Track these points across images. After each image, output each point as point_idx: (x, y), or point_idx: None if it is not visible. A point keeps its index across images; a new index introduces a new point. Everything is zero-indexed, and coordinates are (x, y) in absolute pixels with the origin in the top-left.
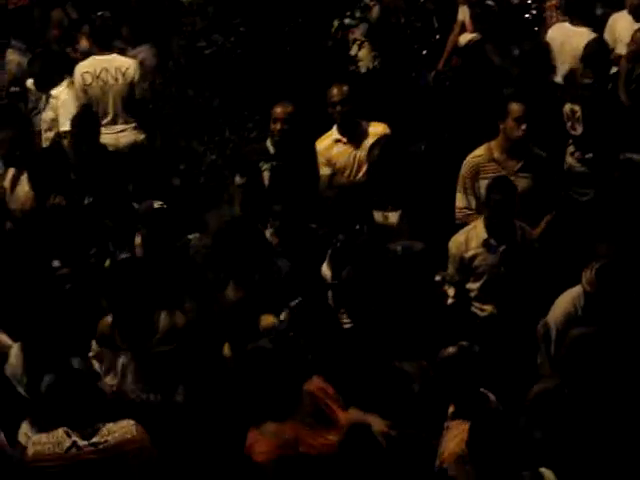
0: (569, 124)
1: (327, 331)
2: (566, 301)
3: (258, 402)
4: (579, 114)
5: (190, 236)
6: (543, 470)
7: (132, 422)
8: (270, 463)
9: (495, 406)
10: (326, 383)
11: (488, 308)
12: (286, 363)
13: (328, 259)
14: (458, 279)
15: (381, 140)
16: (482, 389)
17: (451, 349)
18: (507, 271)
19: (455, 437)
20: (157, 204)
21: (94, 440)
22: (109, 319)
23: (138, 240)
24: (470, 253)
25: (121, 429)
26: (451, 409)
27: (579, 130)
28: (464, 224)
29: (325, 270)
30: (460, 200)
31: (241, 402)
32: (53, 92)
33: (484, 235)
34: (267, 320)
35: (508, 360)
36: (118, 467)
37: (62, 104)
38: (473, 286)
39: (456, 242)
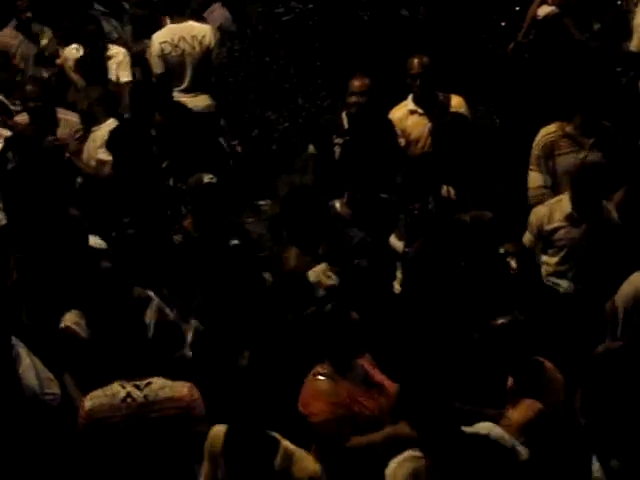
0: None
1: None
2: (636, 282)
3: (313, 361)
4: None
5: (261, 202)
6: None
7: (187, 384)
8: (326, 423)
9: (553, 374)
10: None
11: (564, 284)
12: (343, 325)
13: (397, 230)
14: (534, 249)
15: (450, 118)
16: (539, 358)
17: (501, 319)
18: (590, 247)
19: (518, 409)
20: (207, 178)
21: (146, 392)
22: None
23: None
24: (552, 226)
25: (173, 387)
26: (509, 382)
27: None
28: (537, 204)
29: (394, 241)
30: (535, 179)
31: (298, 363)
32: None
33: (569, 209)
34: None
35: (580, 337)
36: (165, 423)
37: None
38: (550, 260)
39: (538, 213)
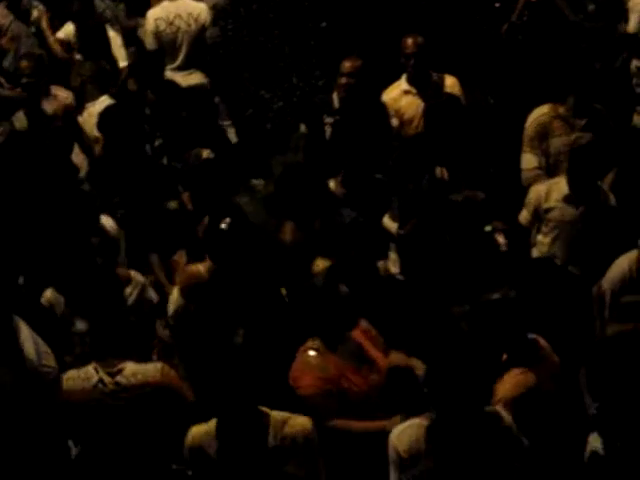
0: (635, 81)
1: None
2: (622, 264)
3: (306, 335)
4: None
5: (255, 181)
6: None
7: (160, 366)
8: (313, 397)
9: (548, 350)
10: (370, 325)
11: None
12: (332, 299)
13: (391, 211)
14: (531, 227)
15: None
16: (532, 334)
17: (494, 295)
18: (584, 230)
19: (508, 383)
20: (206, 153)
21: (118, 379)
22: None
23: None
24: (549, 205)
25: (145, 372)
26: (505, 356)
27: None
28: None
29: (388, 222)
30: (529, 161)
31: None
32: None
33: (566, 190)
34: (322, 265)
35: (569, 316)
36: (138, 409)
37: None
38: (544, 240)
39: (536, 191)
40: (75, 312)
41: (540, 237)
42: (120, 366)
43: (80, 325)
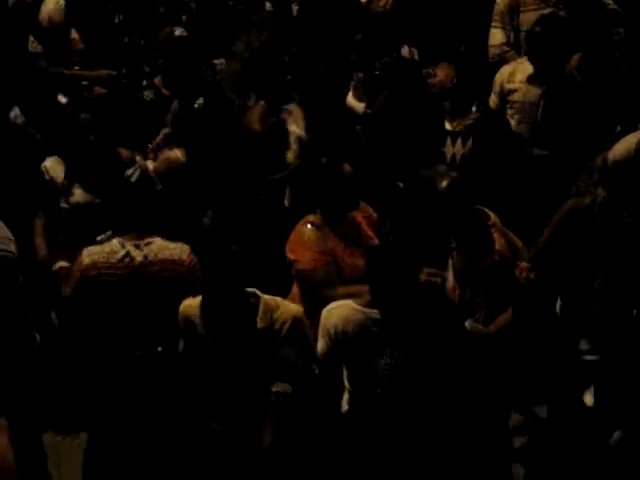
0: None
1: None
2: (629, 142)
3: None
4: None
5: (216, 61)
6: None
7: (187, 248)
8: (312, 271)
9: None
10: (372, 210)
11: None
12: (336, 176)
13: (354, 90)
14: (499, 109)
15: None
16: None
17: (443, 182)
18: (547, 110)
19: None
20: (178, 31)
21: (145, 252)
22: None
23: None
24: (512, 86)
25: (173, 249)
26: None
27: None
28: (499, 62)
29: (353, 102)
30: (496, 36)
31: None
32: None
33: (530, 71)
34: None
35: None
36: (163, 285)
37: None
38: (510, 122)
39: (502, 72)
40: (75, 183)
41: (509, 118)
42: (148, 240)
43: (79, 197)
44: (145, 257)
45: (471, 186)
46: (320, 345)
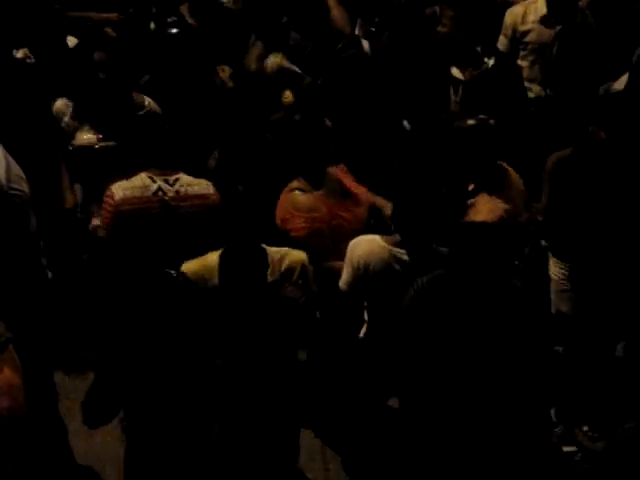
0: None
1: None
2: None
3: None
4: None
5: None
6: None
7: (211, 184)
8: (306, 237)
9: (514, 176)
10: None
11: (535, 88)
12: (314, 133)
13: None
14: (508, 52)
15: None
16: (501, 162)
17: (470, 121)
18: (560, 51)
19: (482, 209)
20: None
21: (177, 187)
22: None
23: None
24: (525, 27)
25: (199, 184)
26: (471, 187)
27: None
28: (505, 4)
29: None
30: None
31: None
32: None
33: (543, 11)
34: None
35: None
36: (196, 218)
37: None
38: (523, 64)
39: (513, 13)
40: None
41: (519, 61)
42: (176, 175)
43: (88, 138)
44: (177, 192)
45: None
46: (344, 275)
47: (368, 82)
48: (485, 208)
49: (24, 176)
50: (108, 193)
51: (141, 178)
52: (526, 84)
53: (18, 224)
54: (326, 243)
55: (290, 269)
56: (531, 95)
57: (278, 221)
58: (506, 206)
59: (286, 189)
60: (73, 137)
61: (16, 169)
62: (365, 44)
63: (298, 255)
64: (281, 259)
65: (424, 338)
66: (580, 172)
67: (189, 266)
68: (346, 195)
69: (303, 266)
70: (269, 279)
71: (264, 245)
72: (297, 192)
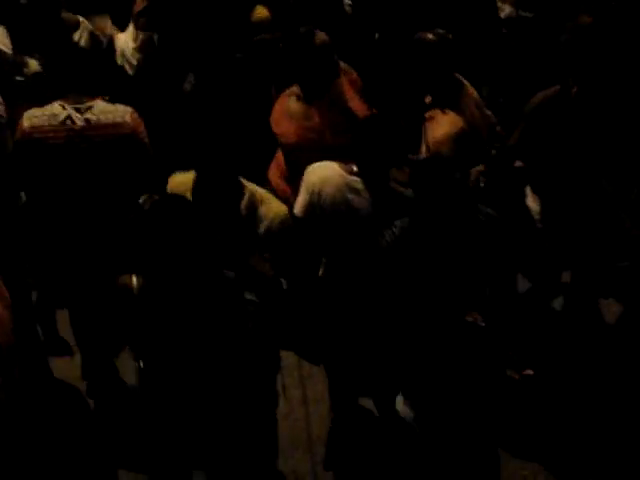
0: None
1: None
2: None
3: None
4: None
5: None
6: None
7: (130, 109)
8: (296, 145)
9: (470, 91)
10: (352, 70)
11: (506, 8)
12: (313, 46)
13: None
14: None
15: None
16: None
17: (430, 35)
18: None
19: (443, 122)
20: None
21: (87, 116)
22: None
23: None
24: None
25: (115, 111)
26: (428, 99)
27: None
28: None
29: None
30: None
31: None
32: None
33: None
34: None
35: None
36: (106, 148)
37: None
38: None
39: None
40: (26, 53)
41: None
42: (89, 103)
43: (34, 67)
44: (87, 121)
45: (458, 46)
46: (299, 201)
47: None
48: (445, 121)
49: (2, 100)
50: (20, 120)
51: (53, 106)
52: (498, 4)
53: None
54: (314, 155)
55: (264, 219)
56: (502, 15)
57: (271, 122)
58: (464, 117)
59: (285, 92)
60: (23, 66)
61: None
62: None
63: (276, 209)
64: (259, 202)
65: (401, 276)
66: (564, 113)
67: (176, 179)
68: (345, 113)
69: (282, 222)
70: (242, 212)
71: (244, 180)
72: (294, 98)
